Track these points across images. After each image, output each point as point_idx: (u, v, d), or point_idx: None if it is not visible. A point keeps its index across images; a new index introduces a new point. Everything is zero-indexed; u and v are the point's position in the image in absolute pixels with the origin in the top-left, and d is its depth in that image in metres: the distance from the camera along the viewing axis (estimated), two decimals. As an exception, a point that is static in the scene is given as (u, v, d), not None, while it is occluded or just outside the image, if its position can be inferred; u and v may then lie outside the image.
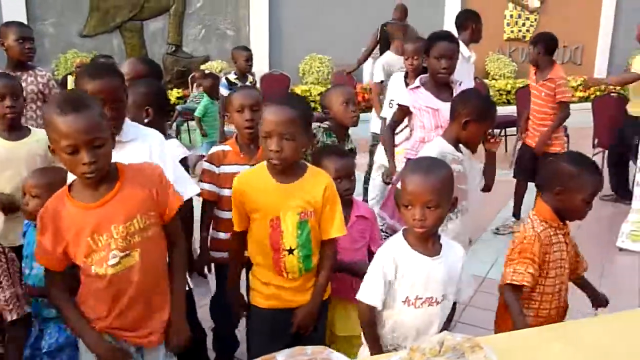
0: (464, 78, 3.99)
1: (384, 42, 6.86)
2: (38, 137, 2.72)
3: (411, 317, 1.95)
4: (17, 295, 2.00)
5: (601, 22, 12.13)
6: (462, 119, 2.71)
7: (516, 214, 5.37)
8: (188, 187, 2.37)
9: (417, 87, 3.46)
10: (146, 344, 1.97)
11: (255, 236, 2.20)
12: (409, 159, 3.06)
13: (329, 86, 9.60)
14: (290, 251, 2.16)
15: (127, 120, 2.24)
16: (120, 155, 1.97)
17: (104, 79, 2.10)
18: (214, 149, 2.76)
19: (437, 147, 2.74)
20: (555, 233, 2.24)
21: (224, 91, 5.81)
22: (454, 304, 2.08)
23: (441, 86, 3.37)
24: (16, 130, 2.75)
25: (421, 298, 1.93)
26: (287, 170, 2.13)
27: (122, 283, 1.87)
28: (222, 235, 2.70)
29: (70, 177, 1.97)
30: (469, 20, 5.18)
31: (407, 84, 4.32)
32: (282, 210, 2.13)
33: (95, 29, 9.23)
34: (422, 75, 3.59)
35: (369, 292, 1.96)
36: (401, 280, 1.92)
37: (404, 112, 3.57)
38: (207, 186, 2.68)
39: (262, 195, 2.14)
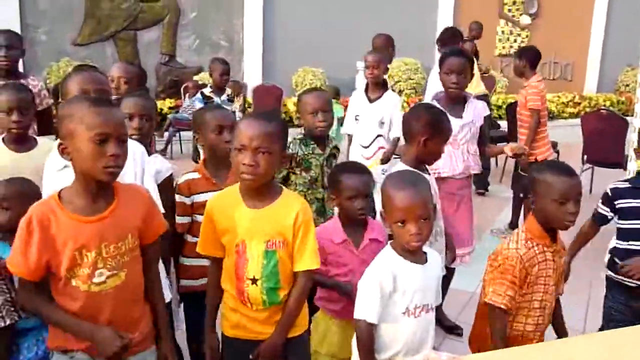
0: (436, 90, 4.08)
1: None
2: (44, 148, 2.64)
3: (411, 327, 1.95)
4: (9, 301, 1.96)
5: (591, 39, 12.23)
6: (420, 138, 2.64)
7: (513, 223, 5.48)
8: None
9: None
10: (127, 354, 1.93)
11: (225, 262, 2.12)
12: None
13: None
14: (254, 281, 2.04)
15: None
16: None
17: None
18: (182, 179, 2.63)
19: None
20: (542, 251, 2.23)
21: (199, 106, 5.63)
22: None
23: (455, 101, 3.41)
24: (23, 141, 2.69)
25: (419, 307, 1.95)
26: (260, 192, 2.04)
27: (102, 301, 1.84)
28: (192, 262, 2.61)
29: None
30: (456, 37, 5.28)
31: (368, 98, 4.35)
32: (248, 236, 2.03)
33: (89, 38, 9.20)
34: (438, 91, 3.63)
35: (366, 308, 1.92)
36: (401, 292, 1.93)
37: None
38: (180, 219, 2.58)
39: (230, 217, 2.06)
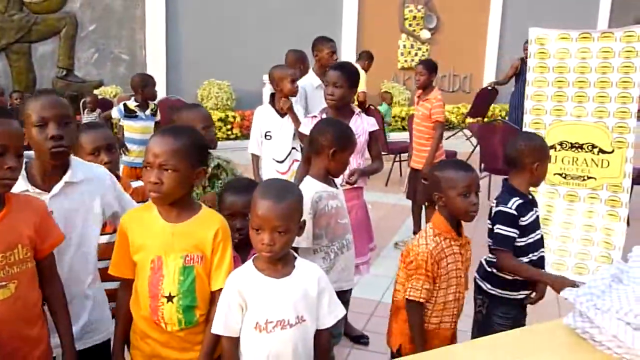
0: (317, 106, 4.12)
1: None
2: None
3: (263, 343, 1.88)
4: None
5: (486, 53, 12.90)
6: (328, 150, 2.65)
7: (416, 232, 5.58)
8: None
9: (314, 116, 3.54)
10: None
11: (136, 281, 2.03)
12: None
13: (228, 112, 9.60)
14: (169, 298, 1.96)
15: (74, 158, 2.11)
16: (71, 198, 2.01)
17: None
18: None
19: (309, 188, 2.63)
20: (449, 245, 2.34)
21: (117, 116, 5.59)
22: (324, 333, 2.01)
23: (341, 113, 3.44)
24: None
25: (272, 322, 1.87)
26: (177, 207, 1.99)
27: None
28: None
29: None
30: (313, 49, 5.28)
31: (279, 112, 4.33)
32: (165, 251, 1.97)
33: (-23, 51, 8.73)
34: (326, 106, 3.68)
35: (216, 322, 1.90)
36: (249, 306, 1.89)
37: None
38: None
39: (146, 232, 1.99)
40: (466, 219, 2.38)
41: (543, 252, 2.82)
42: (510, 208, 2.66)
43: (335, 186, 2.75)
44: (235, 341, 1.91)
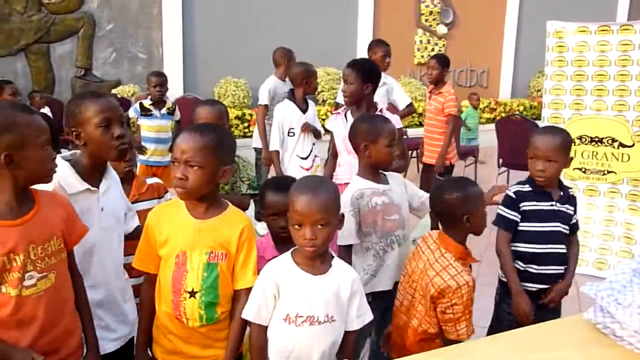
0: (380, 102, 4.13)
1: None
2: None
3: (291, 335, 1.90)
4: None
5: (504, 47, 12.77)
6: (362, 147, 2.66)
7: (434, 228, 5.55)
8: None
9: (338, 112, 3.57)
10: None
11: (160, 275, 2.06)
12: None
13: (245, 110, 9.62)
14: (192, 294, 1.99)
15: None
16: (109, 196, 2.12)
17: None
18: None
19: (354, 187, 2.64)
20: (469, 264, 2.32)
21: (133, 115, 5.61)
22: (350, 334, 2.01)
23: (362, 110, 3.45)
24: None
25: (302, 316, 1.89)
26: (204, 204, 2.02)
27: (34, 306, 1.80)
28: None
29: None
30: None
31: (300, 109, 4.40)
32: (191, 247, 2.00)
33: (-3, 52, 8.82)
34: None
35: (249, 309, 1.93)
36: (282, 297, 1.90)
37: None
38: None
39: (172, 227, 2.03)
40: (481, 233, 2.37)
41: (554, 249, 2.75)
42: (510, 191, 2.78)
43: (387, 182, 2.70)
44: (264, 329, 1.94)
